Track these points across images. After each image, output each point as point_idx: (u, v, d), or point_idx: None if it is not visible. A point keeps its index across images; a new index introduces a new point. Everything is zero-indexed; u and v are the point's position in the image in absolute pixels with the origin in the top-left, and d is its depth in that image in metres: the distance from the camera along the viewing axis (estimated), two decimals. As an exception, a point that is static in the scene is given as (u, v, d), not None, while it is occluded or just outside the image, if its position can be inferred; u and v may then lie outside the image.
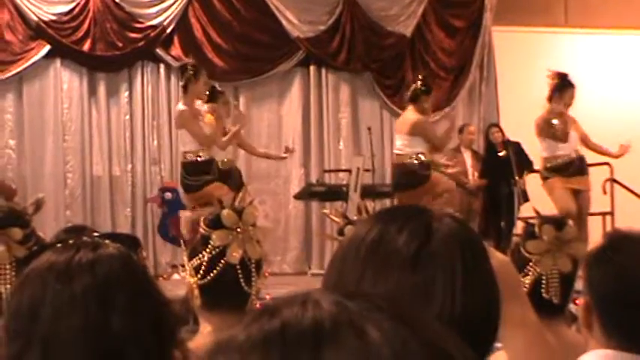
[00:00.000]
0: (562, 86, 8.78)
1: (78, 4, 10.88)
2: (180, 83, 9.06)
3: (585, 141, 9.08)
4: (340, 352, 0.72)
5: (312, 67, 11.70)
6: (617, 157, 9.32)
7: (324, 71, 11.73)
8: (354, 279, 1.30)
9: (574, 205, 8.82)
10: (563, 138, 8.80)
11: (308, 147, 11.60)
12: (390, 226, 1.33)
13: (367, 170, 10.01)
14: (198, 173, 8.72)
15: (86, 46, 10.94)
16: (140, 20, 11.13)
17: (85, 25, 10.92)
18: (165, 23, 11.13)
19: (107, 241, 1.60)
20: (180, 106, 8.83)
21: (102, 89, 11.10)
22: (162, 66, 11.29)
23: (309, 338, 0.74)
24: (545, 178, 9.03)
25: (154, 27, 11.12)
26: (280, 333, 0.75)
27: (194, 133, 8.68)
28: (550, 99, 8.83)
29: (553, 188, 8.90)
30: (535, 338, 1.55)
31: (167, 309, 1.57)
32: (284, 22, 11.45)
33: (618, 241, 2.10)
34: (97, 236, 1.69)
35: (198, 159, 8.74)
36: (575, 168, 8.95)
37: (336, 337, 0.73)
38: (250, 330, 0.76)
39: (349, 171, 10.16)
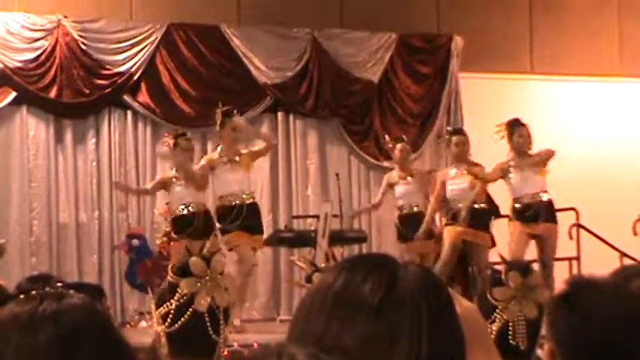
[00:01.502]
0: (512, 128, 8.96)
1: (44, 50, 10.88)
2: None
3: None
4: None
5: (279, 114, 11.74)
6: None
7: (291, 117, 11.77)
8: (320, 328, 1.30)
9: (524, 253, 8.84)
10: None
11: (276, 193, 11.60)
12: (356, 275, 1.34)
13: (335, 216, 10.01)
14: None
15: (53, 93, 10.91)
16: (107, 67, 11.13)
17: (52, 72, 10.90)
18: (132, 70, 11.13)
19: (71, 292, 1.59)
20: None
21: (68, 136, 11.07)
22: (129, 113, 11.28)
23: None
24: (510, 220, 9.08)
25: (121, 74, 11.12)
26: None
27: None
28: (509, 143, 9.01)
29: (510, 233, 8.98)
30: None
31: (133, 359, 1.55)
32: (251, 69, 11.50)
33: (581, 287, 2.11)
34: (61, 286, 1.68)
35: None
36: (531, 213, 8.97)
37: None
38: None
39: (317, 217, 10.16)
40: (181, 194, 8.88)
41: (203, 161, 9.14)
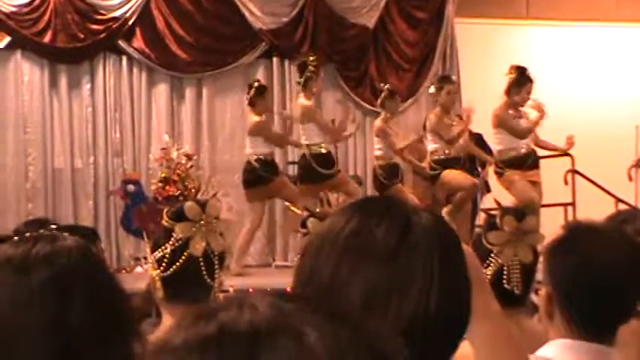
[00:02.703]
0: (520, 80, 8.83)
1: (38, -5, 10.78)
2: (298, 79, 9.26)
3: (534, 139, 9.11)
4: (276, 356, 0.73)
5: (275, 59, 11.67)
6: (565, 151, 9.39)
7: (287, 63, 11.71)
8: (330, 271, 1.28)
9: (537, 195, 8.87)
10: (521, 135, 8.85)
11: (271, 139, 11.56)
12: (369, 219, 1.32)
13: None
14: (330, 164, 9.06)
15: (47, 38, 10.84)
16: (102, 12, 11.04)
17: (46, 17, 10.81)
18: (127, 15, 11.04)
19: (65, 234, 1.58)
20: (304, 101, 9.03)
21: (63, 81, 11.01)
22: (124, 58, 11.21)
23: (245, 342, 0.74)
24: (499, 173, 9.02)
25: (115, 19, 11.03)
26: (217, 337, 0.75)
27: (322, 126, 9.09)
28: (508, 92, 8.88)
29: (512, 182, 8.93)
30: (499, 330, 1.56)
31: (127, 303, 1.56)
32: (247, 14, 11.41)
33: (578, 232, 2.12)
34: (55, 229, 1.67)
35: (324, 151, 9.09)
36: (531, 161, 8.98)
37: (272, 341, 0.73)
38: (187, 333, 0.77)
39: (313, 163, 10.14)
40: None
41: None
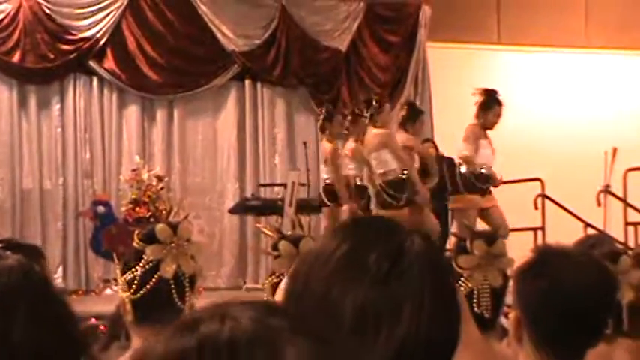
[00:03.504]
0: (487, 103, 8.85)
1: (7, 14, 10.74)
2: (365, 114, 9.13)
3: None
4: None
5: (247, 82, 11.68)
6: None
7: (259, 85, 11.73)
8: (321, 292, 1.28)
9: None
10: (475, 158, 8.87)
11: (243, 161, 11.57)
12: (362, 243, 1.32)
13: (302, 185, 10.02)
14: (403, 191, 8.84)
15: (16, 58, 10.79)
16: (72, 32, 11.01)
17: (15, 36, 10.77)
18: (98, 36, 11.02)
19: (8, 252, 1.57)
20: (378, 130, 8.92)
21: (33, 101, 10.96)
22: (95, 79, 11.18)
23: (224, 356, 0.74)
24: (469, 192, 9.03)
25: (86, 39, 11.01)
26: (197, 349, 0.75)
27: (397, 153, 8.84)
28: (477, 116, 8.91)
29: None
30: (480, 356, 1.56)
31: (73, 320, 1.54)
32: (219, 36, 11.42)
33: (548, 256, 2.13)
34: (-2, 247, 1.66)
35: (402, 177, 8.86)
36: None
37: (250, 355, 0.73)
38: (169, 343, 0.77)
39: (284, 185, 10.16)
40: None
41: None
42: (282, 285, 1.83)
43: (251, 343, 0.74)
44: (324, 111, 9.79)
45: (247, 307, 0.78)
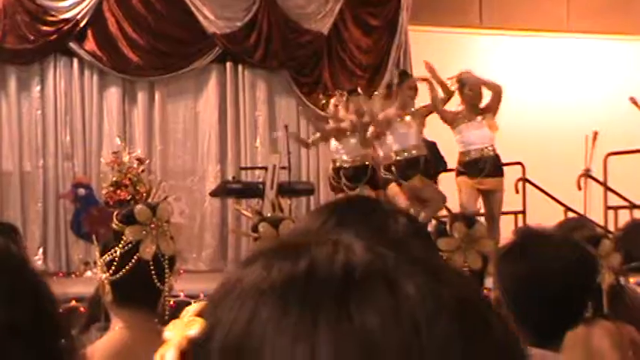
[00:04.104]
0: (463, 83, 8.95)
1: (-13, -5, 10.66)
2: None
3: None
4: (368, 308, 0.63)
5: (228, 64, 11.64)
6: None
7: (240, 68, 11.69)
8: None
9: (475, 206, 8.83)
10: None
11: (224, 144, 11.54)
12: (345, 221, 1.30)
13: (283, 168, 10.01)
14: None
15: (-4, 39, 10.72)
16: (53, 13, 10.93)
17: (-5, 18, 10.69)
18: (78, 17, 10.95)
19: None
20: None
21: (12, 83, 10.89)
22: (75, 60, 11.11)
23: (335, 287, 0.64)
24: (458, 174, 9.08)
25: (67, 20, 10.93)
26: (305, 277, 0.65)
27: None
28: (463, 101, 9.00)
29: (460, 186, 8.99)
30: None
31: (49, 299, 1.53)
32: (200, 18, 11.37)
33: (529, 238, 2.14)
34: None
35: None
36: (488, 167, 8.96)
37: (365, 288, 0.64)
38: (271, 268, 0.66)
39: (265, 168, 10.14)
40: None
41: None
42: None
43: (366, 273, 0.65)
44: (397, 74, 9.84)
45: (355, 237, 0.70)
